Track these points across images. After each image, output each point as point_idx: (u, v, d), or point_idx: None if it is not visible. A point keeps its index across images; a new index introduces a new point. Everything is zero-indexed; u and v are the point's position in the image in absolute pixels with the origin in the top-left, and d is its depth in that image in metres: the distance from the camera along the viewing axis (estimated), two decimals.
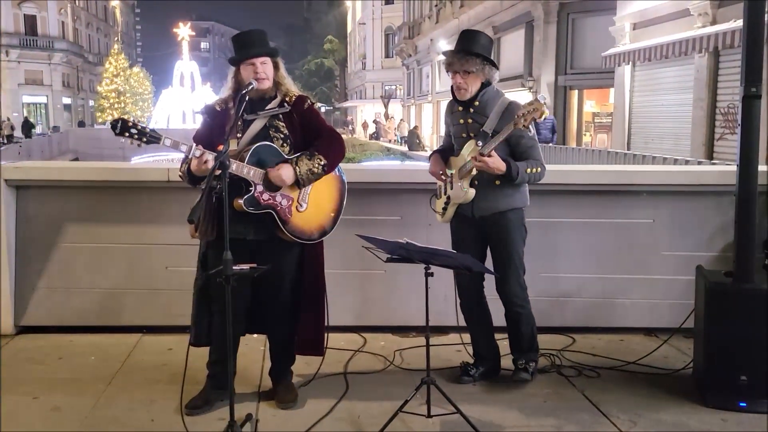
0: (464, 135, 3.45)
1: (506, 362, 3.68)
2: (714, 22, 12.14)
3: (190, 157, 2.94)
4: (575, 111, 19.86)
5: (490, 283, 3.57)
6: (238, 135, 3.10)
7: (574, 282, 4.36)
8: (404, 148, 29.25)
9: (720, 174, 4.35)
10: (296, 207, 3.11)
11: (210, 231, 3.11)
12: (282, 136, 3.14)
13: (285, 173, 3.03)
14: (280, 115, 3.16)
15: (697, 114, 12.78)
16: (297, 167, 3.05)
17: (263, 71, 3.08)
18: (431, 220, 4.36)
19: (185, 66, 44.95)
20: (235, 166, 2.95)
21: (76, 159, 30.06)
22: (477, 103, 3.40)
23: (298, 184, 3.08)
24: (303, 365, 3.57)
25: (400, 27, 40.34)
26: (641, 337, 4.30)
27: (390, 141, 32.23)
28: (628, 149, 14.67)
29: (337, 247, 4.15)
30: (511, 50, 22.85)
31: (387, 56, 47.45)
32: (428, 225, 4.38)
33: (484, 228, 3.46)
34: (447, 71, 3.44)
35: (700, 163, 9.33)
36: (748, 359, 3.20)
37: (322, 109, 57.97)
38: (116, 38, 66.87)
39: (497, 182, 3.36)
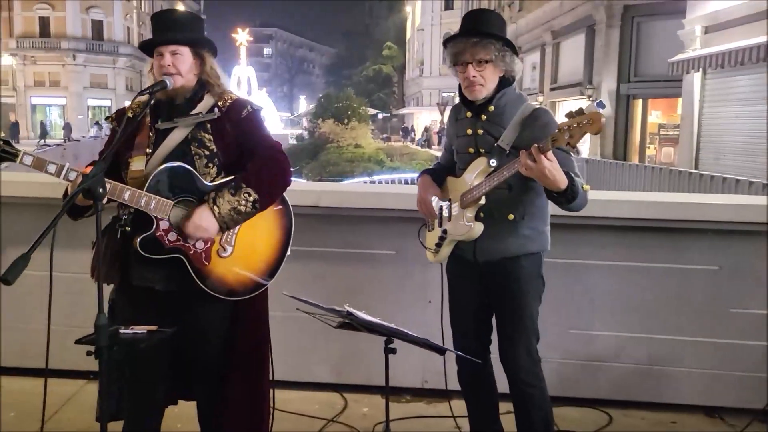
0: (471, 150, 2.56)
1: None
2: None
3: (61, 179, 2.21)
4: (639, 122, 18.63)
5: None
6: (148, 150, 2.35)
7: (612, 342, 3.44)
8: None
9: None
10: (218, 251, 2.32)
11: (112, 274, 2.39)
12: (207, 153, 2.36)
13: (205, 222, 2.26)
14: (208, 125, 2.38)
15: None
16: (215, 206, 2.27)
17: (171, 63, 2.31)
18: None
19: (242, 71, 45.41)
20: (127, 195, 2.21)
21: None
22: (492, 108, 2.52)
23: (222, 228, 2.30)
24: None
25: None
26: (700, 419, 3.36)
27: None
28: (696, 166, 13.40)
29: (313, 284, 3.45)
30: (569, 56, 21.80)
31: (445, 62, 46.51)
32: (429, 263, 3.56)
33: (488, 276, 2.59)
34: (454, 64, 2.55)
35: None
36: None
37: (379, 116, 57.54)
38: None
39: (511, 216, 2.49)
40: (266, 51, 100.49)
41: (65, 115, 44.92)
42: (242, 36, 50.22)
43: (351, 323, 2.16)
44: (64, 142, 35.58)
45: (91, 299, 3.58)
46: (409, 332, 2.04)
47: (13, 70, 44.38)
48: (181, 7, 66.44)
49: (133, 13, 51.14)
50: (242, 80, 44.51)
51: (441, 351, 2.13)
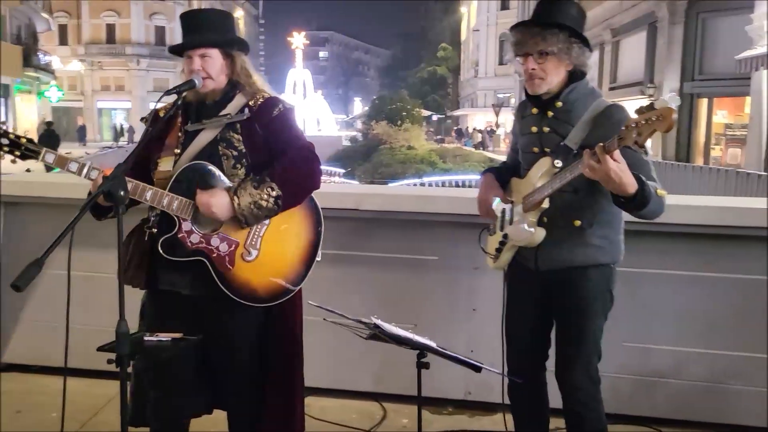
0: (536, 150, 2.37)
1: None
2: None
3: (83, 178, 2.18)
4: (704, 122, 17.85)
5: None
6: (176, 151, 2.29)
7: (670, 357, 3.21)
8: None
9: None
10: (242, 254, 2.24)
11: (138, 277, 2.34)
12: (235, 153, 2.28)
13: (216, 201, 2.17)
14: (238, 125, 2.31)
15: None
16: (236, 197, 2.18)
17: (201, 67, 2.25)
18: (478, 263, 3.38)
19: (298, 74, 45.96)
20: (149, 195, 2.16)
21: None
22: (560, 103, 2.31)
23: (240, 222, 2.21)
24: None
25: None
26: None
27: None
28: (766, 168, 12.68)
29: (353, 289, 3.37)
30: (629, 55, 21.12)
31: (500, 63, 45.97)
32: (474, 269, 3.41)
33: (551, 287, 2.40)
34: (516, 56, 2.36)
35: None
36: None
37: (434, 118, 57.27)
38: None
39: (577, 223, 2.28)
40: (322, 54, 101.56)
41: (129, 119, 46.45)
42: (298, 40, 50.85)
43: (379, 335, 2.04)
44: (127, 144, 36.83)
45: (132, 299, 3.60)
46: (440, 348, 1.90)
47: (81, 75, 46.13)
48: (239, 12, 67.86)
49: None
50: (298, 83, 45.12)
51: (476, 369, 1.98)
